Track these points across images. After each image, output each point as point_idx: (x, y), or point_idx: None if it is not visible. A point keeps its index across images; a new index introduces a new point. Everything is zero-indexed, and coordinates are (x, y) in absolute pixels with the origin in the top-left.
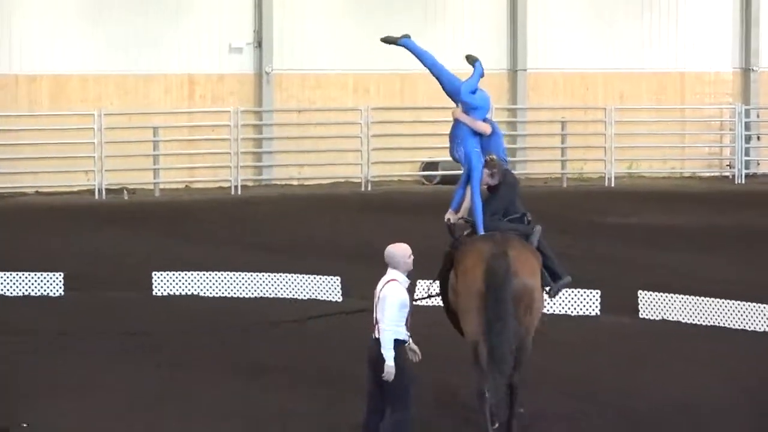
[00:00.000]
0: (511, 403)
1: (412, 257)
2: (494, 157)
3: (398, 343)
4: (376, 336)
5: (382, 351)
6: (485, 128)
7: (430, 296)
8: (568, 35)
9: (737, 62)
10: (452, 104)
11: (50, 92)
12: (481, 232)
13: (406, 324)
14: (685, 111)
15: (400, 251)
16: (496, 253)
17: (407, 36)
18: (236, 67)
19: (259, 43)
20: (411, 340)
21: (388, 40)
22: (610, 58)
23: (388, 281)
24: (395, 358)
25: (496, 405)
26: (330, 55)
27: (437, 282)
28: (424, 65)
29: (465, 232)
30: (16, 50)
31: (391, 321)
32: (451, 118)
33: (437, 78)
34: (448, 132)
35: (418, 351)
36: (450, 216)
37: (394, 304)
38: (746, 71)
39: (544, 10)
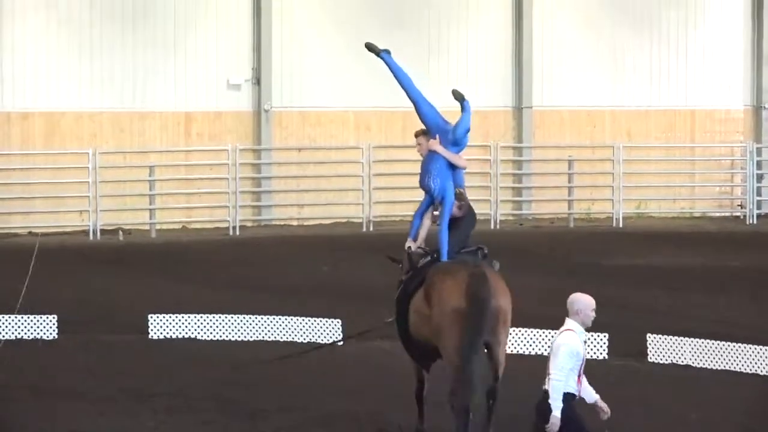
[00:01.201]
0: (489, 414)
1: (594, 312)
2: (462, 190)
3: (566, 397)
4: (546, 387)
5: (550, 401)
6: (465, 163)
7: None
8: (575, 71)
9: (748, 100)
10: None
11: (43, 130)
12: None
13: (578, 376)
14: (695, 149)
15: (584, 300)
16: (475, 274)
17: (388, 51)
18: (234, 104)
19: (257, 80)
20: (599, 397)
21: (370, 47)
22: (617, 95)
23: (564, 330)
24: (562, 412)
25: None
26: (330, 91)
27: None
28: (400, 85)
29: (422, 261)
30: (8, 87)
31: (559, 370)
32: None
33: (414, 103)
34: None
35: (606, 408)
36: (411, 244)
37: (565, 353)
38: (757, 109)
39: (550, 46)
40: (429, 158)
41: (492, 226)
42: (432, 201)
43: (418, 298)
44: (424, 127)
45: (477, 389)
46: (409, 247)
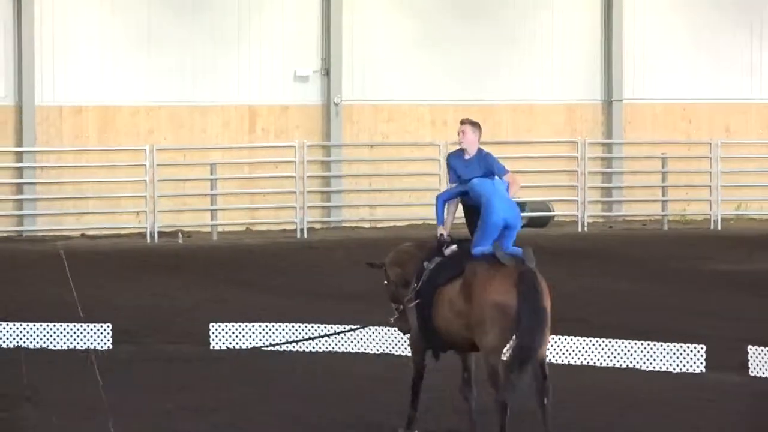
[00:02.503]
0: (545, 413)
1: None
2: None
3: None
4: None
5: None
6: (516, 189)
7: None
8: (669, 62)
9: None
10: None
11: (98, 125)
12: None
13: None
14: None
15: None
16: (525, 272)
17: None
18: (302, 97)
19: (326, 71)
20: None
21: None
22: (715, 88)
23: None
24: None
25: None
26: (404, 84)
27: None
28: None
29: (448, 249)
30: (60, 79)
31: None
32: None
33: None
34: (535, 170)
35: None
36: (442, 231)
37: None
38: None
39: (642, 35)
40: (481, 173)
41: (579, 229)
42: (461, 193)
43: (453, 289)
44: (472, 119)
45: (517, 389)
46: (441, 235)
